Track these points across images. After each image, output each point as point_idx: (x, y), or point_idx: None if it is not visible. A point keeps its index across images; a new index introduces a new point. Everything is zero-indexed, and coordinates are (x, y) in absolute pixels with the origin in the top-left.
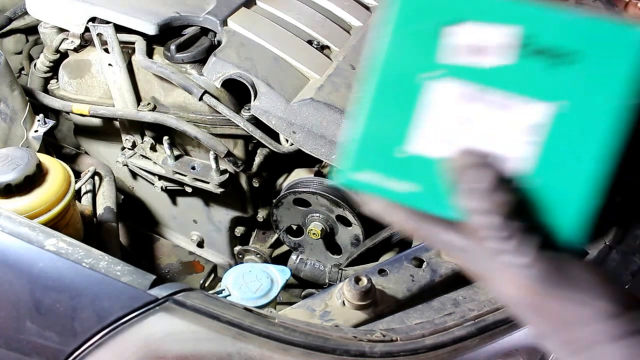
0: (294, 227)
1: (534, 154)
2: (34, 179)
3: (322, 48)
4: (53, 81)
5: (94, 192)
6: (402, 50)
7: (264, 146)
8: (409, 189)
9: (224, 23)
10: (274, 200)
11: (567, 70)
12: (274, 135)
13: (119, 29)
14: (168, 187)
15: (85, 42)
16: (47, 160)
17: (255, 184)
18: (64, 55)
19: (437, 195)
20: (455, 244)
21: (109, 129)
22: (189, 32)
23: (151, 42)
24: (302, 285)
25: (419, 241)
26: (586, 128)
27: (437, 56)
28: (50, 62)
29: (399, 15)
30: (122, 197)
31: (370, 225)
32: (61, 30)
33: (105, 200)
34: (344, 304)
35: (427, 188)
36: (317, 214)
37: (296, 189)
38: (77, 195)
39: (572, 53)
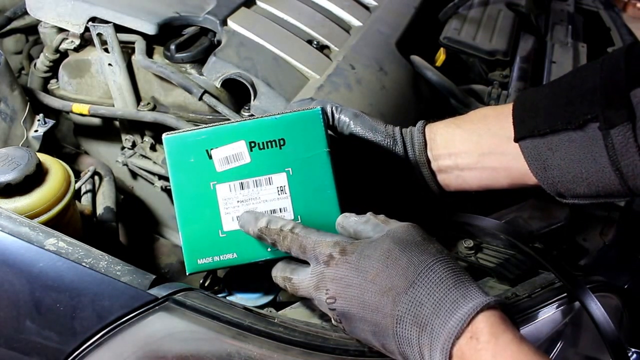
0: None
1: (289, 203)
2: (34, 179)
3: (322, 48)
4: (53, 81)
5: (93, 192)
6: (189, 173)
7: None
8: (234, 255)
9: (224, 23)
10: None
11: (283, 149)
12: None
13: (119, 28)
14: (168, 187)
15: (85, 42)
16: (47, 160)
17: None
18: (64, 55)
19: (250, 251)
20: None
21: (108, 129)
22: (189, 32)
23: (151, 42)
24: None
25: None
26: (312, 173)
27: (215, 168)
28: (50, 62)
29: (171, 156)
30: (122, 197)
31: None
32: (61, 30)
33: (105, 200)
34: None
35: (242, 250)
36: None
37: None
38: (77, 195)
39: (280, 139)
